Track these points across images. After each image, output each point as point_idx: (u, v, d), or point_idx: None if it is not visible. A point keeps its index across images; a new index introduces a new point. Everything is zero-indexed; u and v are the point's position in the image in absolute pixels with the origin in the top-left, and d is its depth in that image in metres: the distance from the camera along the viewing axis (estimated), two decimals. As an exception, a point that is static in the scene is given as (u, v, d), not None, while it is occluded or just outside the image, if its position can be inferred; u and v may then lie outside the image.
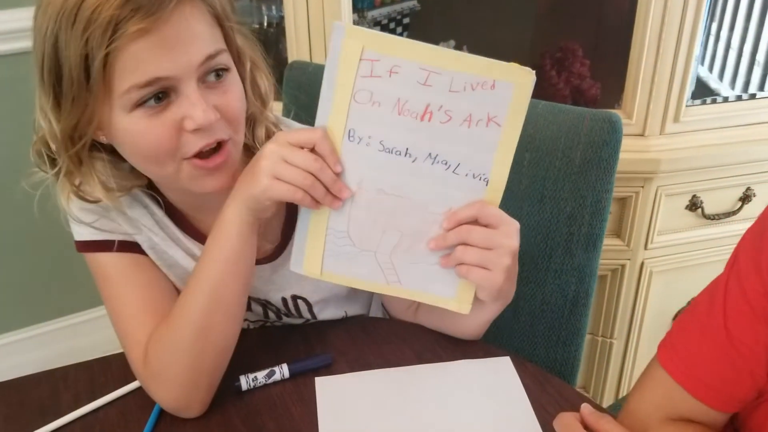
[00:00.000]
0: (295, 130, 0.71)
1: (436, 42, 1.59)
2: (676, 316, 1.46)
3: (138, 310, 0.76)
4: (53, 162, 0.73)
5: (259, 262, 0.81)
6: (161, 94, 0.66)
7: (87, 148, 0.71)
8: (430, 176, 0.72)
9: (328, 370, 0.80)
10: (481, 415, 0.74)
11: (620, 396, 1.51)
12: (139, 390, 0.77)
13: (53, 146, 0.72)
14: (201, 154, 0.70)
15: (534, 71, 0.69)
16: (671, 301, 1.44)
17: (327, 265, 0.75)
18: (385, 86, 0.69)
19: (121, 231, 0.78)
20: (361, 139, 0.71)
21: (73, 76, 0.64)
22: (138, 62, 0.64)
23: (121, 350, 0.78)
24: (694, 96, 1.28)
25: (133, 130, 0.68)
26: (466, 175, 0.72)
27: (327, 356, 0.81)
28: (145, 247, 0.80)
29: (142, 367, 0.74)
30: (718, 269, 0.70)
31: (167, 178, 0.73)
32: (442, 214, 0.73)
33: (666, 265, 1.38)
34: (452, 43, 1.57)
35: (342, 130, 0.71)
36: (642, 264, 1.37)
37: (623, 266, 1.37)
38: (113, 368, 0.80)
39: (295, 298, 0.85)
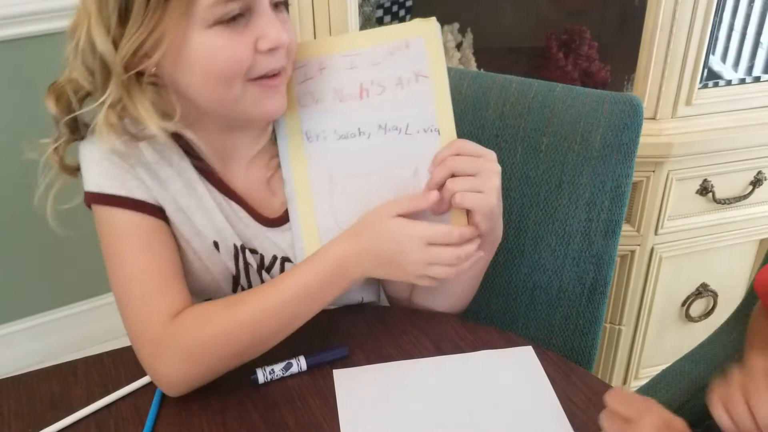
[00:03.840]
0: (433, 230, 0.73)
1: (440, 25, 1.56)
2: (685, 301, 1.45)
3: (154, 277, 0.73)
4: (80, 105, 0.73)
5: (272, 223, 0.82)
6: (239, 13, 0.68)
7: (142, 76, 0.70)
8: (387, 145, 0.78)
9: (345, 361, 0.78)
10: (506, 407, 0.72)
11: (628, 383, 1.50)
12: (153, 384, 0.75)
13: (94, 84, 0.70)
14: (263, 77, 0.72)
15: (434, 18, 0.77)
16: (681, 286, 1.43)
17: None
18: (319, 84, 0.78)
19: (145, 189, 0.75)
20: (318, 136, 0.79)
21: None
22: None
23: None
24: (705, 79, 1.26)
25: (211, 46, 0.68)
26: (418, 132, 0.77)
27: (343, 348, 0.78)
28: (170, 210, 0.77)
29: (163, 330, 0.71)
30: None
31: (228, 102, 0.72)
32: (412, 176, 0.77)
33: (676, 251, 1.37)
34: (456, 25, 1.55)
35: (300, 134, 0.79)
36: (652, 249, 1.35)
37: (633, 252, 1.35)
38: (124, 361, 0.77)
39: None
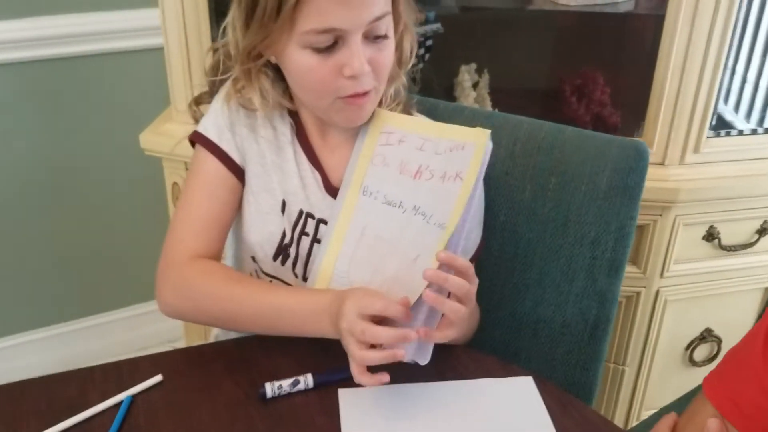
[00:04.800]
0: (369, 303, 0.76)
1: (458, 65, 1.62)
2: (689, 345, 1.46)
3: (201, 219, 0.88)
4: (225, 69, 0.89)
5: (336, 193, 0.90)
6: (333, 42, 0.79)
7: (259, 64, 0.85)
8: (411, 225, 0.83)
9: (350, 382, 0.80)
10: (503, 434, 0.75)
11: (629, 424, 1.51)
12: (163, 384, 0.79)
13: (233, 54, 0.86)
14: (351, 95, 0.83)
15: (488, 131, 0.83)
16: (685, 330, 1.44)
17: None
18: (393, 152, 0.87)
19: (235, 147, 0.89)
20: (371, 193, 0.86)
21: (267, 9, 0.77)
22: (321, 12, 0.76)
23: (148, 353, 0.80)
24: (713, 128, 1.30)
25: (302, 64, 0.81)
26: (434, 224, 0.82)
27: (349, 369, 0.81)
28: (254, 162, 0.90)
29: (179, 266, 0.86)
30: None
31: (318, 107, 0.87)
32: (412, 260, 0.82)
33: (681, 294, 1.39)
34: (473, 66, 1.60)
35: (360, 185, 0.87)
36: (657, 292, 1.37)
37: (638, 293, 1.37)
38: (141, 369, 0.80)
39: None
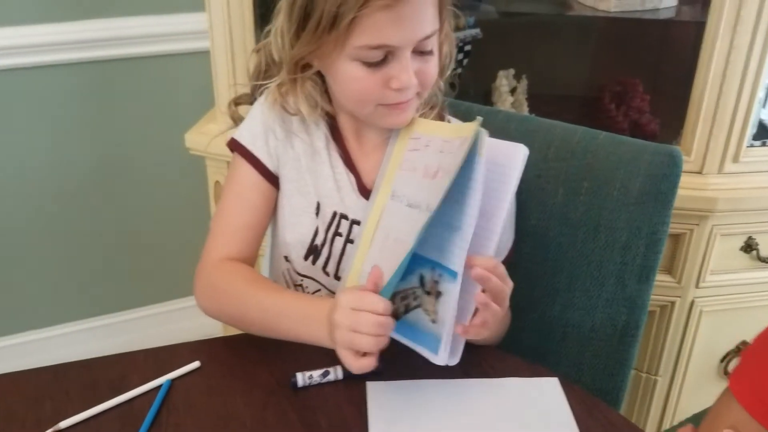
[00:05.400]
0: (359, 296, 0.77)
1: (496, 70, 1.63)
2: (724, 358, 1.44)
3: (234, 224, 0.92)
4: (266, 71, 0.93)
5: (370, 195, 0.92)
6: (383, 57, 0.81)
7: (307, 75, 0.88)
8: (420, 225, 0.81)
9: (378, 376, 0.83)
10: (527, 432, 0.76)
11: (661, 434, 1.49)
12: (200, 370, 0.82)
13: (276, 59, 0.90)
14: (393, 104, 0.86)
15: (479, 119, 0.78)
16: (720, 342, 1.43)
17: None
18: (420, 157, 0.87)
19: (270, 155, 0.93)
20: (398, 197, 0.87)
21: (322, 22, 0.79)
22: (375, 29, 0.79)
23: (189, 340, 0.86)
24: (754, 137, 1.29)
25: (350, 75, 0.83)
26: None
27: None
28: (289, 167, 0.93)
29: (209, 270, 0.91)
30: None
31: (360, 114, 0.89)
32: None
33: (717, 306, 1.37)
34: (511, 71, 1.61)
35: (389, 189, 0.88)
36: (692, 302, 1.36)
37: (673, 303, 1.36)
38: (180, 355, 0.84)
39: None
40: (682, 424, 0.97)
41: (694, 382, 1.45)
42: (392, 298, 0.81)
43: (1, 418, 0.75)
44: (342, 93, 0.88)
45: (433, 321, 0.80)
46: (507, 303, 0.82)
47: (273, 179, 0.94)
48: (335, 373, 0.81)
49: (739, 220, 1.30)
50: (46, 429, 0.74)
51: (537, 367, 0.85)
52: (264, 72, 0.94)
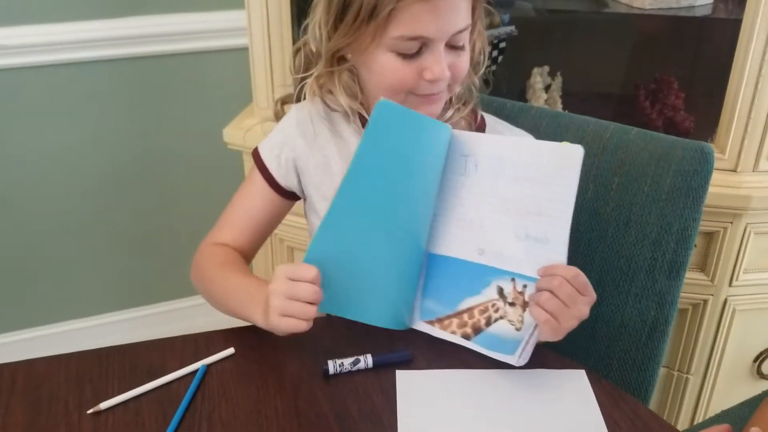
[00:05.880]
0: (294, 267, 0.80)
1: (530, 67, 1.63)
2: (757, 357, 1.43)
3: (233, 218, 0.98)
4: (307, 65, 0.95)
5: None
6: (418, 49, 0.83)
7: (343, 68, 0.91)
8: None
9: (407, 365, 0.84)
10: (553, 424, 0.77)
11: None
12: (235, 357, 0.86)
13: (314, 51, 0.92)
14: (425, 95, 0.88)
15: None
16: (753, 341, 1.41)
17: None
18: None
19: (285, 168, 0.96)
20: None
21: (360, 14, 0.82)
22: (413, 20, 0.81)
23: (224, 327, 0.89)
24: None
25: (387, 65, 0.86)
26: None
27: (406, 352, 0.86)
28: (309, 174, 0.96)
29: (202, 246, 0.98)
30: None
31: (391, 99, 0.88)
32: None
33: (750, 305, 1.36)
34: (546, 68, 1.61)
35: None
36: (725, 301, 1.35)
37: (705, 301, 1.35)
38: (216, 342, 0.87)
39: None
40: (714, 420, 0.97)
41: (727, 381, 1.44)
42: (469, 312, 0.86)
43: (45, 399, 0.79)
44: (376, 82, 0.89)
45: (518, 329, 0.83)
46: (582, 310, 0.81)
47: (283, 191, 0.98)
48: (365, 362, 0.83)
49: (774, 219, 1.29)
50: (88, 409, 0.77)
51: (564, 359, 0.86)
52: (304, 68, 0.96)
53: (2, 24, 1.60)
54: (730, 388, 1.45)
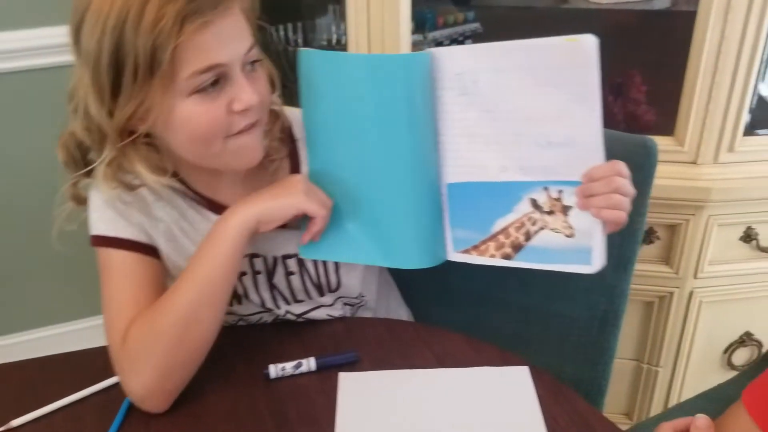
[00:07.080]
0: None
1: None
2: (727, 348, 1.43)
3: (127, 302, 0.81)
4: (83, 159, 0.82)
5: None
6: (215, 80, 0.75)
7: (139, 137, 0.78)
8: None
9: (352, 366, 0.85)
10: (492, 423, 0.77)
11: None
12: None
13: (91, 141, 0.79)
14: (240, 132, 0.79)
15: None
16: (722, 332, 1.41)
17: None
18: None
19: (136, 229, 0.84)
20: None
21: (140, 69, 0.71)
22: (200, 51, 0.73)
23: None
24: (758, 124, 1.27)
25: (191, 112, 0.75)
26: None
27: (352, 354, 0.86)
28: (164, 240, 0.85)
29: (120, 349, 0.79)
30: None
31: (210, 158, 0.80)
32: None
33: (717, 296, 1.36)
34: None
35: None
36: (691, 293, 1.35)
37: (671, 294, 1.35)
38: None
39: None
40: (670, 414, 0.97)
41: (698, 372, 1.44)
42: (504, 232, 0.84)
43: None
44: (185, 138, 0.78)
45: (570, 236, 0.80)
46: (631, 191, 0.80)
47: (152, 251, 0.85)
48: (308, 365, 0.84)
49: (737, 210, 1.29)
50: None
51: (509, 356, 0.87)
52: (81, 159, 0.83)
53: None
54: (701, 380, 1.45)
